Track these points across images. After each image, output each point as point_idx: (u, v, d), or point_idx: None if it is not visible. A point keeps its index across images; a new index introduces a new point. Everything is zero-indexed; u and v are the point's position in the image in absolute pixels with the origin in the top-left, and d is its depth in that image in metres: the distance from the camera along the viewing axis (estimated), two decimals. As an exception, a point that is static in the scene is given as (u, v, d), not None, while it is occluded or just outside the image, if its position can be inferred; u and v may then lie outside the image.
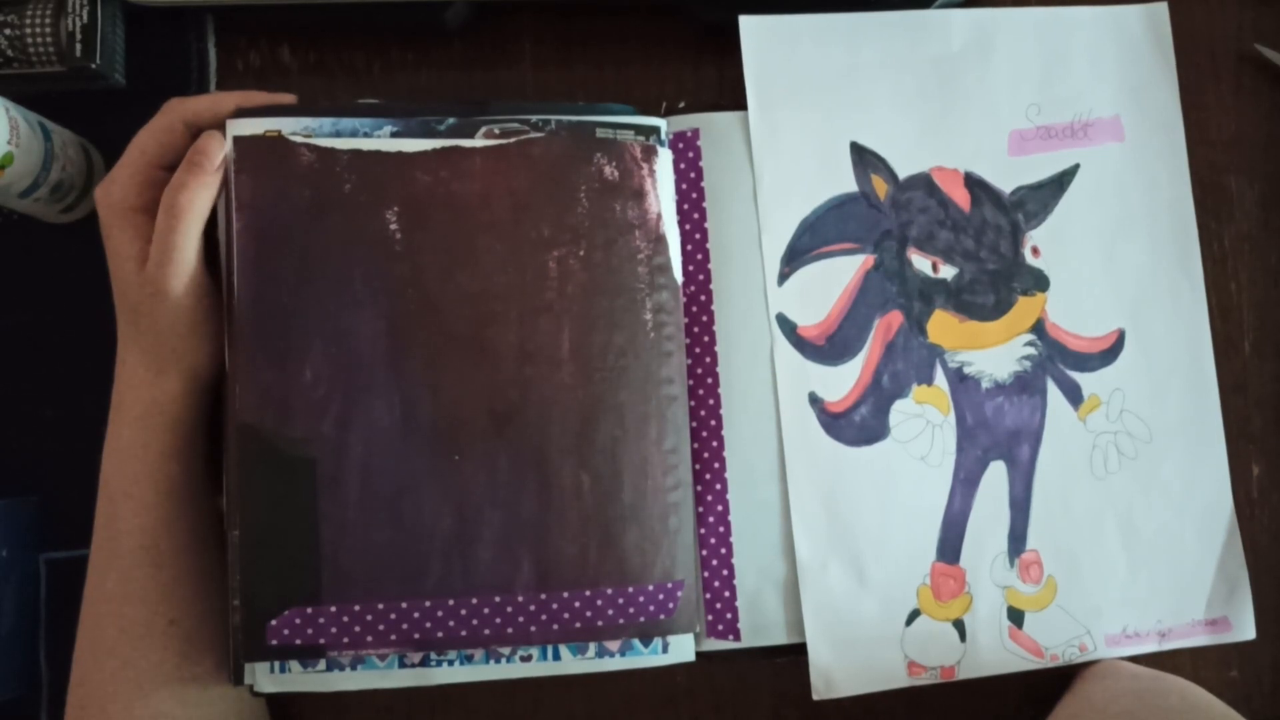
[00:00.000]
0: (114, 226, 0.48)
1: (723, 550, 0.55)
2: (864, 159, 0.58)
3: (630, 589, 0.51)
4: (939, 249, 0.58)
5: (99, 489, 0.50)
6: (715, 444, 0.55)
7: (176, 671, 0.50)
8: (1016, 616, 0.56)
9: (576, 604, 0.50)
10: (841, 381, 0.57)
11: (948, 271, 0.58)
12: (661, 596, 0.51)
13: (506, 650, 0.51)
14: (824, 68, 0.59)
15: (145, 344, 0.49)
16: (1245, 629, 0.58)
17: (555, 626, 0.50)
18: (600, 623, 0.51)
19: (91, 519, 0.50)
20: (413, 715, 0.57)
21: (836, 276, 0.57)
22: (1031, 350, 0.58)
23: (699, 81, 0.61)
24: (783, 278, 0.57)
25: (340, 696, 0.53)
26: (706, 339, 0.56)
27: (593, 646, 0.51)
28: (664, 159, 0.54)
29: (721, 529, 0.55)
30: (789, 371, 0.56)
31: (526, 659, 0.51)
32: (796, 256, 0.57)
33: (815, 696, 0.55)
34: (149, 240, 0.48)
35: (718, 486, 0.55)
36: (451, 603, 0.50)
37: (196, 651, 0.50)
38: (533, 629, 0.50)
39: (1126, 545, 0.57)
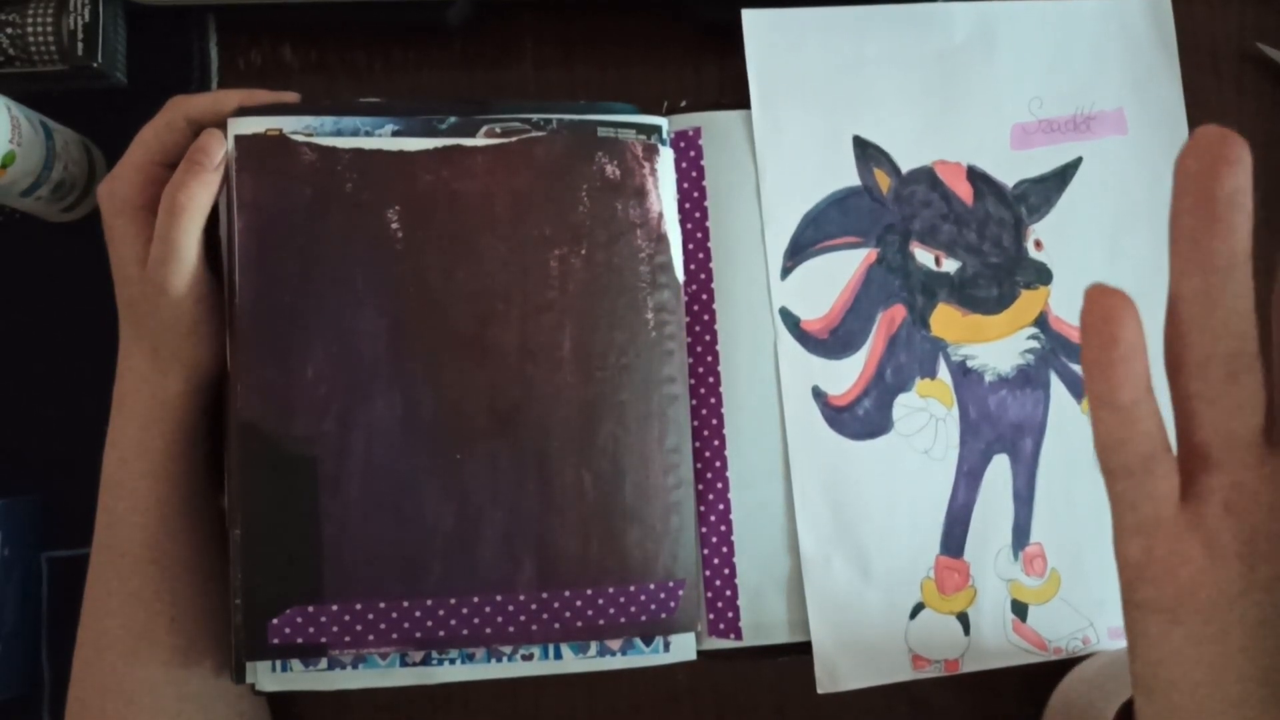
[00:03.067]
0: (116, 224, 0.49)
1: (724, 549, 0.55)
2: (866, 153, 0.58)
3: (632, 588, 0.51)
4: (942, 243, 0.58)
5: (100, 487, 0.50)
6: (717, 443, 0.55)
7: (178, 670, 0.49)
8: (1020, 609, 0.56)
9: (578, 603, 0.50)
10: (845, 375, 0.57)
11: (950, 265, 0.58)
12: (663, 595, 0.51)
13: (508, 649, 0.51)
14: (827, 61, 0.59)
15: (147, 342, 0.49)
16: None
17: (557, 625, 0.50)
18: (602, 621, 0.51)
19: (93, 518, 0.50)
20: (414, 714, 0.57)
21: (839, 270, 0.57)
22: (1035, 344, 0.58)
23: (700, 80, 0.61)
24: (786, 272, 0.57)
25: (342, 695, 0.53)
26: (708, 338, 0.56)
27: (594, 645, 0.51)
28: (665, 158, 0.54)
29: (723, 528, 0.55)
30: (792, 365, 0.56)
31: (528, 658, 0.51)
32: (799, 250, 0.57)
33: (820, 690, 0.54)
34: (151, 238, 0.48)
35: (719, 485, 0.55)
36: (453, 601, 0.50)
37: (198, 650, 0.50)
38: (534, 628, 0.50)
39: (1130, 538, 0.57)
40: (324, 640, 0.49)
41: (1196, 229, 0.26)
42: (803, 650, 0.55)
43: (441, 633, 0.49)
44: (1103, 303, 0.26)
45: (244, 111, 0.51)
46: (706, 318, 0.56)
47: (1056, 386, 0.58)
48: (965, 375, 0.57)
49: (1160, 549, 0.29)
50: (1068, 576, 0.57)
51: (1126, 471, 0.28)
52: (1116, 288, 0.26)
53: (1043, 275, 0.58)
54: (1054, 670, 0.56)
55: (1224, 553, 0.29)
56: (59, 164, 0.54)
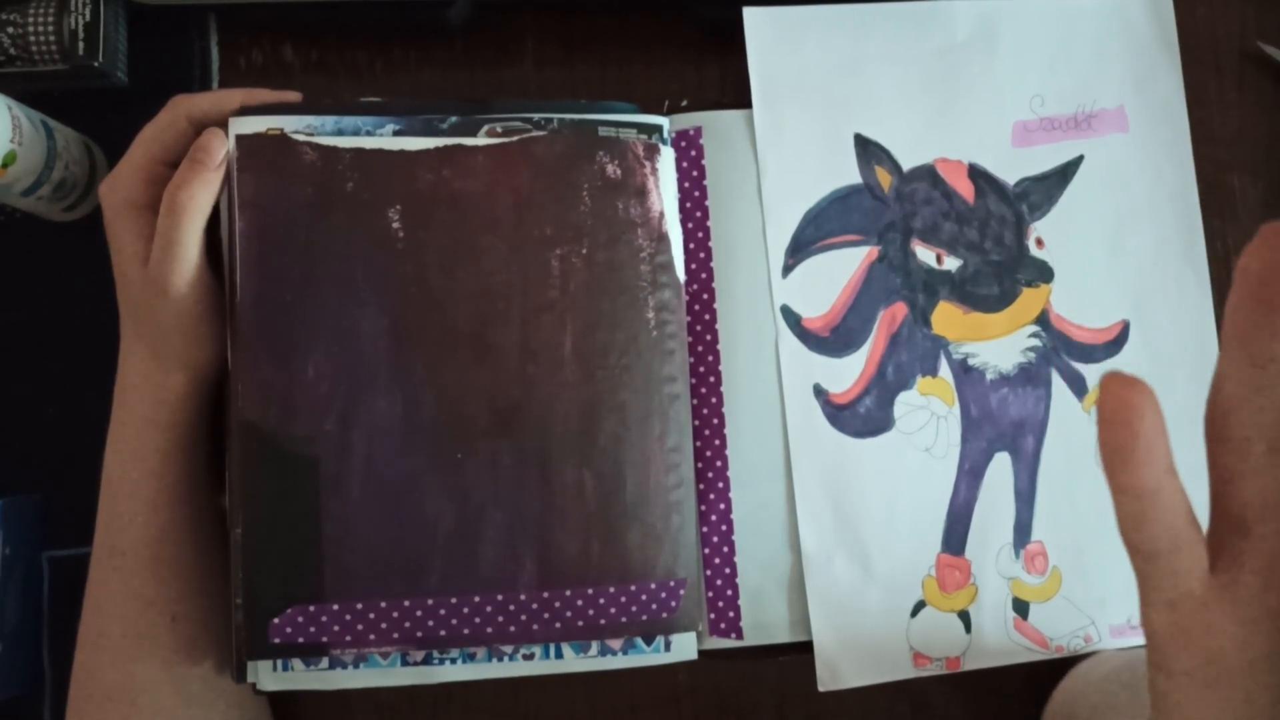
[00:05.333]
0: (118, 223, 0.48)
1: (725, 549, 0.55)
2: (868, 150, 0.58)
3: (633, 587, 0.51)
4: (943, 241, 0.58)
5: (101, 487, 0.50)
6: (718, 442, 0.55)
7: (179, 669, 0.49)
8: (1021, 608, 0.56)
9: (579, 602, 0.50)
10: (846, 373, 0.57)
11: (952, 263, 0.58)
12: (664, 595, 0.51)
13: (509, 648, 0.51)
14: (828, 59, 0.59)
15: (148, 341, 0.49)
16: None
17: (558, 625, 0.50)
18: (603, 621, 0.50)
19: (94, 517, 0.50)
20: (415, 713, 0.57)
21: (841, 268, 0.57)
22: (1036, 342, 0.58)
23: (701, 80, 0.61)
24: (787, 270, 0.57)
25: (343, 694, 0.53)
26: (709, 337, 0.56)
27: (595, 645, 0.51)
28: (666, 157, 0.54)
29: (724, 527, 0.55)
30: (793, 363, 0.56)
31: (529, 657, 0.51)
32: (801, 248, 0.57)
33: (821, 688, 0.54)
34: (152, 237, 0.48)
35: (720, 485, 0.55)
36: (454, 601, 0.50)
37: (199, 649, 0.50)
38: (535, 627, 0.50)
39: (1131, 536, 0.57)
40: (325, 640, 0.49)
41: (1250, 328, 0.26)
42: (804, 649, 0.55)
43: (443, 632, 0.49)
44: (1119, 394, 0.26)
45: (245, 111, 0.51)
46: (707, 317, 0.56)
47: (1058, 384, 0.58)
48: (966, 373, 0.57)
49: (1187, 620, 0.29)
50: (1069, 574, 0.57)
51: (1152, 553, 0.28)
52: (1132, 375, 0.26)
53: (1044, 273, 0.58)
54: (1055, 668, 0.56)
55: (1255, 619, 0.29)
56: (60, 163, 0.54)
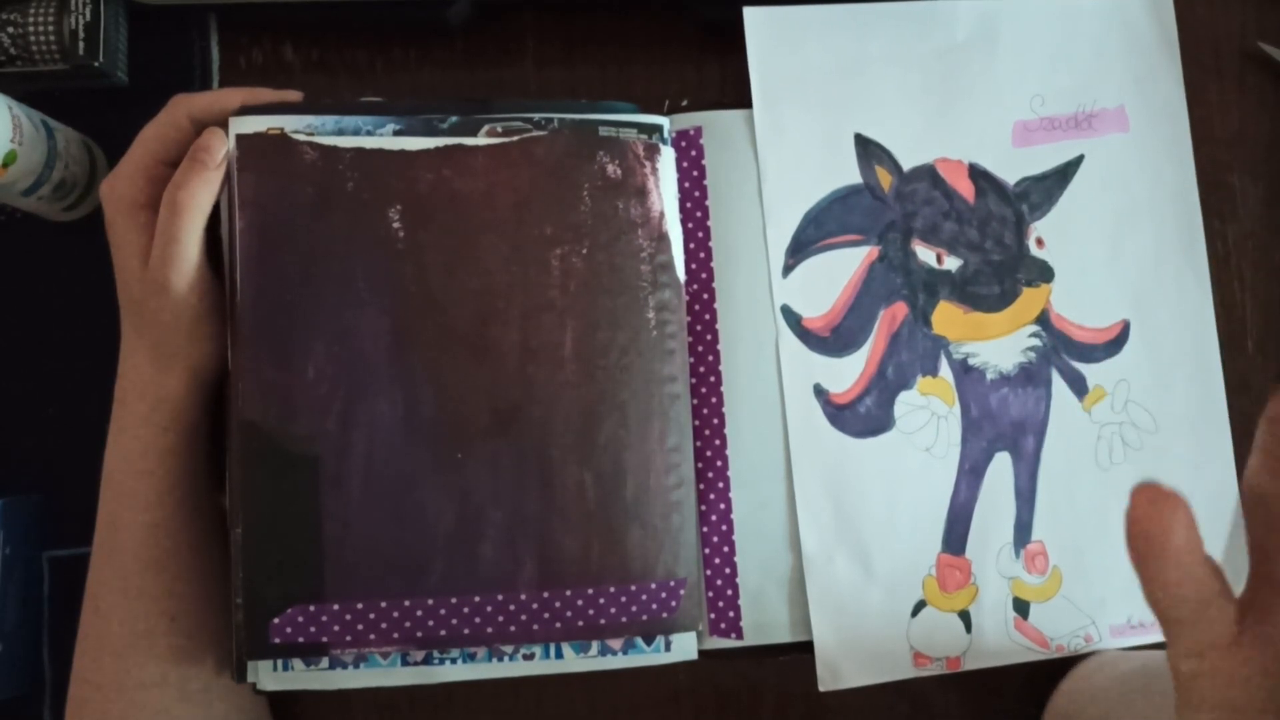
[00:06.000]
0: (119, 222, 0.48)
1: (725, 549, 0.55)
2: (868, 150, 0.58)
3: (633, 587, 0.51)
4: (943, 240, 0.58)
5: (101, 486, 0.49)
6: (718, 442, 0.55)
7: (178, 669, 0.49)
8: (1022, 607, 0.56)
9: (579, 602, 0.50)
10: (846, 373, 0.57)
11: (952, 263, 0.58)
12: (664, 595, 0.51)
13: (509, 648, 0.51)
14: (828, 59, 0.59)
15: (148, 340, 0.49)
16: None
17: (558, 625, 0.50)
18: (603, 621, 0.50)
19: (94, 517, 0.50)
20: (415, 713, 0.57)
21: (841, 268, 0.57)
22: (1036, 341, 0.58)
23: (701, 80, 0.61)
24: (787, 270, 0.57)
25: (343, 694, 0.53)
26: (709, 337, 0.56)
27: (595, 645, 0.51)
28: (667, 157, 0.54)
29: (724, 527, 0.55)
30: (794, 363, 0.56)
31: (529, 657, 0.51)
32: (801, 248, 0.57)
33: (821, 688, 0.54)
34: (153, 237, 0.48)
35: (720, 485, 0.55)
36: (454, 601, 0.49)
37: (198, 649, 0.50)
38: (535, 627, 0.50)
39: (1132, 536, 0.57)
40: (325, 639, 0.49)
41: None
42: (804, 649, 0.55)
43: (443, 632, 0.49)
44: (1150, 508, 0.26)
45: (246, 110, 0.51)
46: (708, 317, 0.56)
47: (1058, 384, 0.58)
48: (967, 373, 0.57)
49: (1212, 667, 0.29)
50: (1069, 574, 0.57)
51: (1177, 620, 0.28)
52: (1166, 488, 0.26)
53: (1044, 273, 0.58)
54: (1055, 668, 0.56)
55: (1277, 670, 0.29)
56: (60, 163, 0.54)
